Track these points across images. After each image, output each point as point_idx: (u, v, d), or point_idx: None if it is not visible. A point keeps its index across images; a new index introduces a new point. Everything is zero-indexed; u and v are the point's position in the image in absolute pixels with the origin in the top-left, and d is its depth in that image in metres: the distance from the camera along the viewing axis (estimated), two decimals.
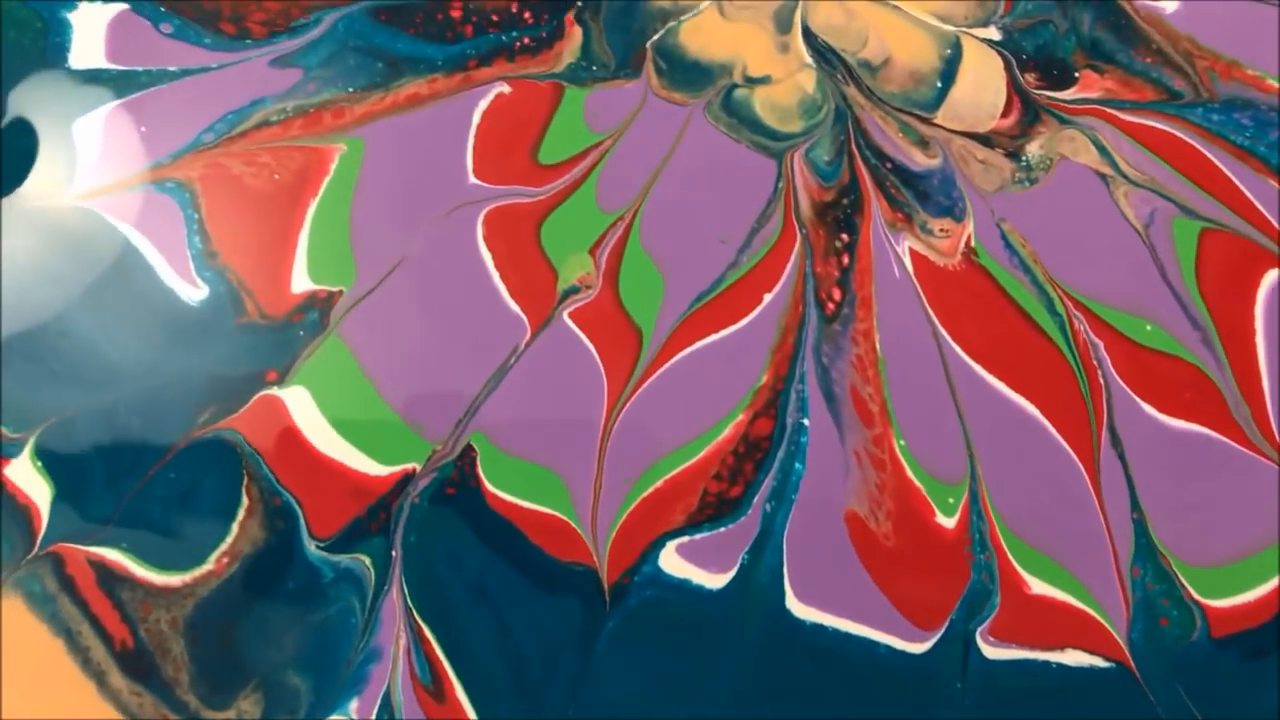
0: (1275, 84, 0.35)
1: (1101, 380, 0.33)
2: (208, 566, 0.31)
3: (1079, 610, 0.32)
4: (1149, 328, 0.33)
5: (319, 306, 0.33)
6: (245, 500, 0.32)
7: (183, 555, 0.31)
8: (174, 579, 0.31)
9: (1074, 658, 0.31)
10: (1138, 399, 0.33)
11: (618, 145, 0.34)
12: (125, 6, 0.35)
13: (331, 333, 0.33)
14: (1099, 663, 0.31)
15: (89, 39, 0.35)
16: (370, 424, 0.32)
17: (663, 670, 0.31)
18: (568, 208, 0.34)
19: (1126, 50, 0.35)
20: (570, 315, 0.33)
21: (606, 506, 0.32)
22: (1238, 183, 0.34)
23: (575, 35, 0.35)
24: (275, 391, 0.32)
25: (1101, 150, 0.35)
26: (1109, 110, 0.35)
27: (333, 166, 0.34)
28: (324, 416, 0.32)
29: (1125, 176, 0.34)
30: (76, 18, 0.35)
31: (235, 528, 0.32)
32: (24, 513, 0.32)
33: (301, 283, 0.33)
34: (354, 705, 0.31)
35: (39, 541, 0.31)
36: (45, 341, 0.33)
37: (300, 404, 0.32)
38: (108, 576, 0.31)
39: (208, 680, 0.31)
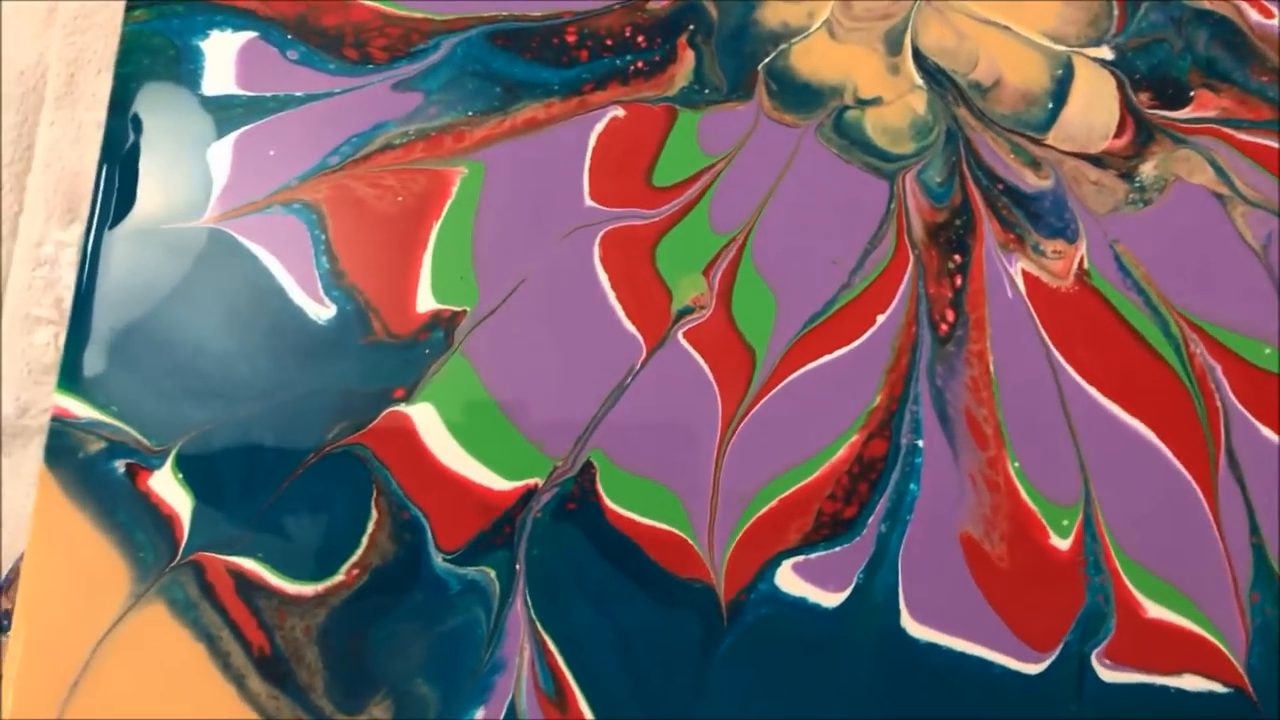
0: None
1: (1219, 403, 0.33)
2: (339, 577, 0.33)
3: (1196, 635, 0.32)
4: (1267, 350, 0.33)
5: (444, 326, 0.34)
6: (374, 513, 0.33)
7: (315, 566, 0.33)
8: (307, 589, 0.33)
9: (1191, 682, 0.31)
10: (1256, 422, 0.33)
11: (730, 167, 0.35)
12: (254, 34, 0.36)
13: (456, 351, 0.34)
14: (1217, 688, 0.31)
15: (220, 66, 0.36)
16: (494, 440, 0.33)
17: (778, 687, 0.32)
18: (681, 229, 0.34)
19: (1242, 68, 0.35)
20: (685, 335, 0.34)
21: (723, 524, 0.32)
22: None
23: (688, 59, 0.36)
24: (403, 408, 0.33)
25: (1218, 170, 0.34)
26: (1225, 129, 0.35)
27: (454, 189, 0.35)
28: (450, 432, 0.33)
29: (1242, 196, 0.34)
30: (208, 45, 0.36)
31: (365, 540, 0.33)
32: (167, 522, 0.33)
33: (426, 302, 0.34)
34: (480, 713, 0.32)
35: (181, 550, 0.33)
36: (183, 359, 0.34)
37: (427, 420, 0.33)
38: (245, 585, 0.33)
39: (341, 686, 0.32)
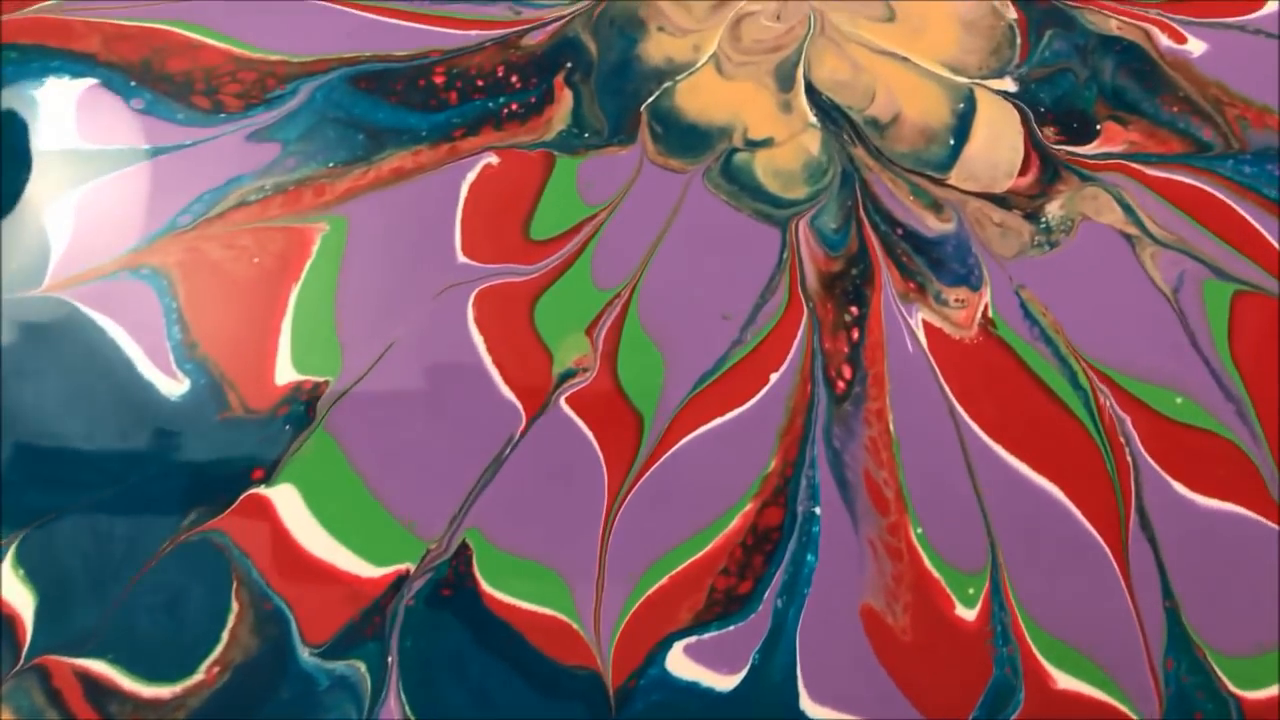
0: None
1: (1129, 458, 0.31)
2: (198, 676, 0.30)
3: (1109, 705, 0.30)
4: (1179, 400, 0.31)
5: (305, 398, 0.32)
6: (235, 606, 0.31)
7: (172, 665, 0.30)
8: (164, 690, 0.30)
9: None
10: (1168, 477, 0.31)
11: (613, 217, 0.33)
12: (94, 81, 0.33)
13: (319, 426, 0.31)
14: None
15: (57, 116, 0.34)
16: (361, 522, 0.31)
17: None
18: (562, 286, 0.32)
19: (1152, 99, 0.33)
20: (567, 400, 0.31)
21: (609, 606, 0.30)
22: (1272, 240, 0.32)
23: (565, 100, 0.33)
24: (262, 490, 0.31)
25: (1126, 209, 0.33)
26: (1134, 165, 0.33)
27: (315, 248, 0.32)
28: (313, 515, 0.31)
29: (1152, 236, 0.32)
30: (43, 94, 0.34)
31: (225, 635, 0.30)
32: (7, 623, 0.31)
33: (286, 373, 0.32)
34: None
35: (24, 653, 0.30)
36: (22, 441, 0.31)
37: (289, 502, 0.31)
38: (96, 689, 0.30)
39: None
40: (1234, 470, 0.31)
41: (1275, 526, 0.31)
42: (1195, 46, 0.34)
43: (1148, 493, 0.31)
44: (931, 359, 0.32)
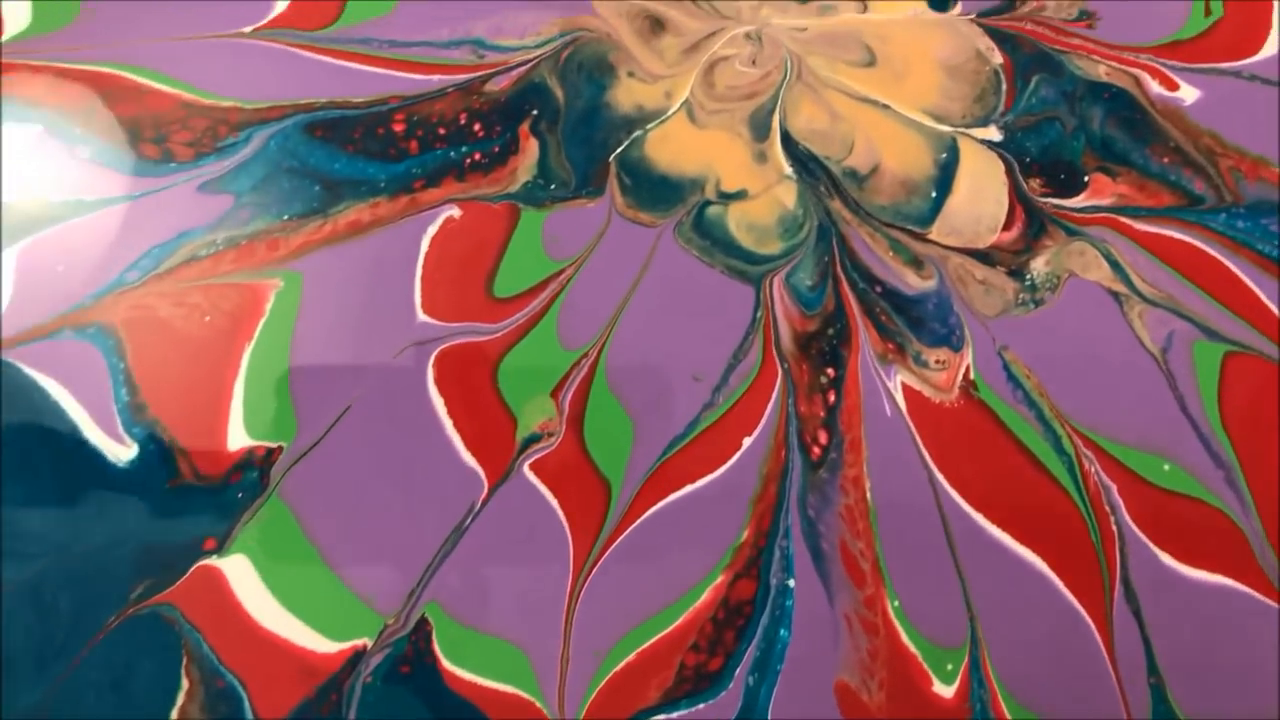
0: None
1: (1114, 527, 0.30)
2: None
3: None
4: (1167, 467, 0.30)
5: (258, 465, 0.30)
6: (185, 682, 0.30)
7: None
8: None
9: None
10: (1154, 548, 0.30)
11: (580, 273, 0.31)
12: (38, 128, 0.32)
13: (272, 494, 0.30)
14: None
15: None
16: (317, 595, 0.30)
17: None
18: (526, 346, 0.31)
19: (1141, 149, 0.32)
20: (531, 467, 0.30)
21: (575, 683, 0.29)
22: (1265, 299, 0.31)
23: (531, 149, 0.32)
24: (214, 561, 0.30)
25: (1114, 265, 0.31)
26: (1122, 219, 0.32)
27: (269, 305, 0.31)
28: (267, 588, 0.30)
29: (1140, 294, 0.31)
30: None
31: (175, 713, 0.30)
32: None
33: (239, 438, 0.30)
34: None
35: None
36: None
37: (241, 574, 0.30)
38: None
39: None
40: (1223, 540, 0.30)
41: (1265, 599, 0.30)
42: (1188, 94, 0.33)
43: (1133, 564, 0.30)
44: (910, 423, 0.31)
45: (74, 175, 0.32)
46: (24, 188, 0.32)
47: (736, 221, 0.32)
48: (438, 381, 0.31)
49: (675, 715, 0.30)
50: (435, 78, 0.33)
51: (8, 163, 0.32)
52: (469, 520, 0.31)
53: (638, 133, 0.33)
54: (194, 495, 0.31)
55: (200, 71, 0.33)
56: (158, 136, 0.32)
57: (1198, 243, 0.32)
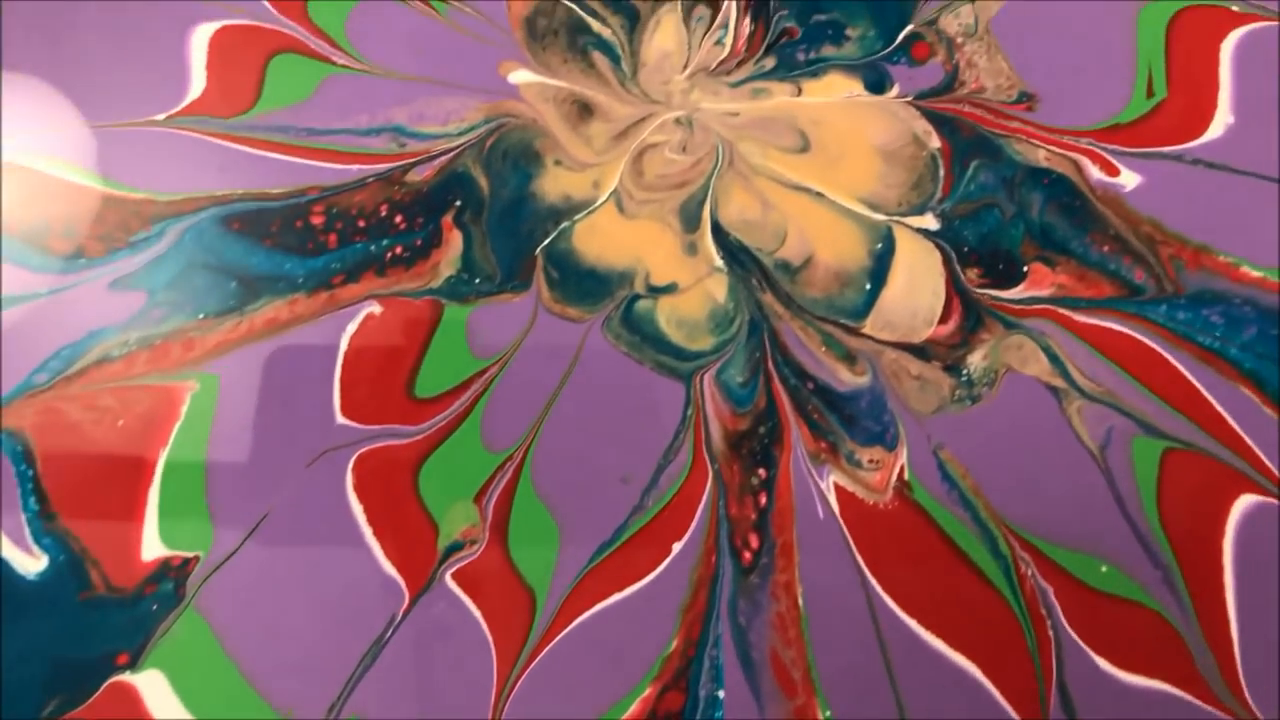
0: (1251, 271, 0.31)
1: (1050, 632, 0.30)
2: None
3: None
4: (1104, 568, 0.30)
5: (173, 575, 0.30)
6: None
7: None
8: None
9: None
10: (1091, 652, 0.30)
11: (505, 372, 0.31)
12: None
13: (188, 606, 0.29)
14: None
15: None
16: (235, 711, 0.29)
17: None
18: (449, 449, 0.30)
19: (1081, 237, 0.32)
20: (453, 576, 0.30)
21: None
22: (1205, 393, 0.31)
23: (454, 242, 0.31)
24: (127, 677, 0.29)
25: (1053, 358, 0.31)
26: (1062, 310, 0.31)
27: (184, 409, 0.31)
28: (183, 704, 0.30)
29: (1079, 389, 0.31)
30: None
31: None
32: None
33: (153, 548, 0.30)
34: None
35: None
36: None
37: (156, 690, 0.29)
38: None
39: None
40: (1161, 645, 0.30)
41: (1204, 706, 0.29)
42: (1128, 179, 0.32)
43: (1069, 669, 0.30)
44: (843, 525, 0.30)
45: None
46: None
47: (666, 316, 0.31)
48: (357, 487, 0.31)
49: None
50: (355, 167, 0.32)
51: None
52: (389, 633, 0.30)
53: (565, 224, 0.32)
54: (106, 608, 0.30)
55: (112, 161, 0.32)
56: (67, 230, 0.31)
57: (1138, 335, 0.31)
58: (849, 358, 0.32)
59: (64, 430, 0.31)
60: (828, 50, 0.33)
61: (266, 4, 0.33)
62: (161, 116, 0.33)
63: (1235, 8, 0.33)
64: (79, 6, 0.33)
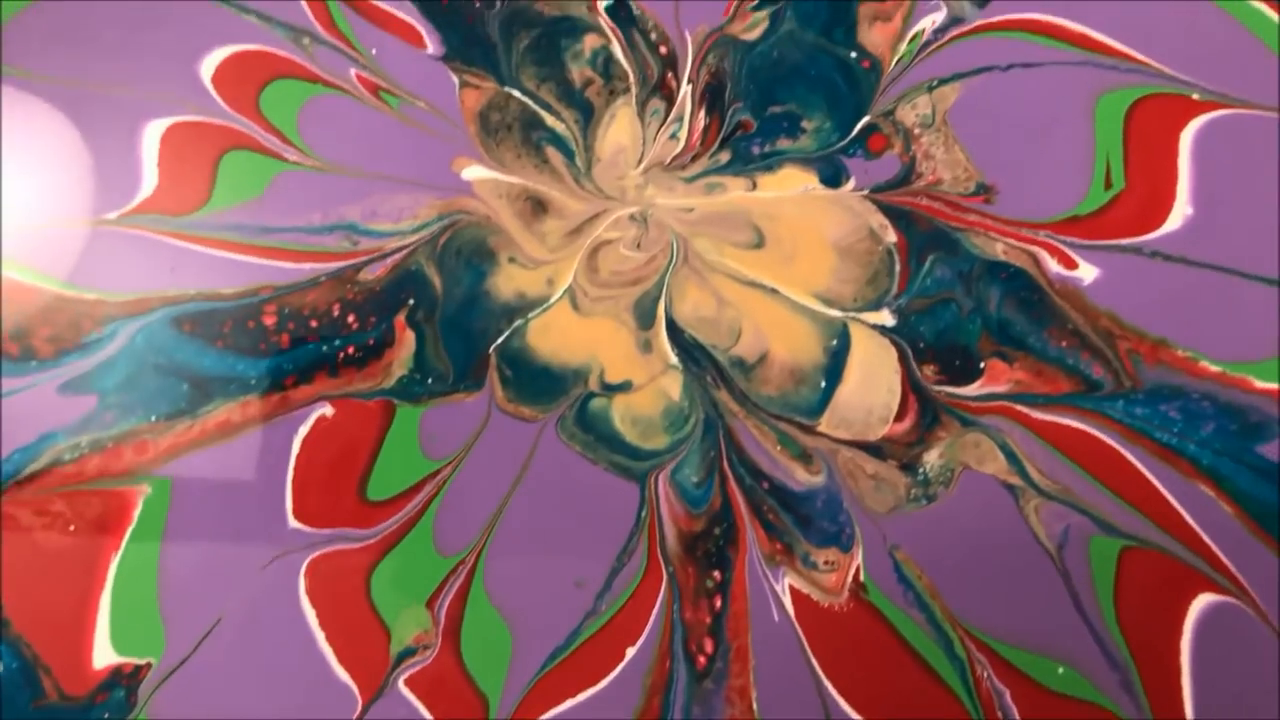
0: (1210, 365, 0.31)
1: None
2: None
3: None
4: (1061, 670, 0.30)
5: (125, 683, 0.30)
6: None
7: None
8: None
9: None
10: None
11: (458, 473, 0.31)
12: None
13: (140, 713, 0.29)
14: None
15: None
16: None
17: None
18: (401, 553, 0.30)
19: (1039, 332, 0.31)
20: (406, 682, 0.30)
21: None
22: (1163, 490, 0.31)
23: (407, 341, 0.31)
24: None
25: (1010, 456, 0.31)
26: (1019, 407, 0.31)
27: (136, 512, 0.31)
28: None
29: (1036, 487, 0.30)
30: None
31: None
32: None
33: (105, 655, 0.30)
34: None
35: None
36: None
37: None
38: None
39: None
40: None
41: None
42: (1086, 272, 0.32)
43: None
44: (798, 629, 0.30)
45: None
46: None
47: (621, 415, 0.31)
48: (309, 592, 0.31)
49: None
50: (308, 266, 0.32)
51: None
52: None
53: (519, 322, 0.32)
54: (58, 716, 0.30)
55: (64, 261, 0.32)
56: (17, 332, 0.31)
57: (1095, 431, 0.31)
58: (804, 456, 0.32)
59: (14, 536, 0.31)
60: (783, 143, 0.33)
61: (218, 99, 0.33)
62: (113, 215, 0.33)
63: (1195, 96, 0.33)
64: (32, 101, 0.33)
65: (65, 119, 0.33)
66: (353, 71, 0.34)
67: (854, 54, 0.34)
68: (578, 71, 0.33)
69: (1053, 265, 0.33)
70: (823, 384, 0.33)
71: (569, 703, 0.31)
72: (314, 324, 0.33)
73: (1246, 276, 0.33)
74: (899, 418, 0.32)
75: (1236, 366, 0.32)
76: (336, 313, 0.33)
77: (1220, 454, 0.32)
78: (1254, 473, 0.32)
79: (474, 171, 0.33)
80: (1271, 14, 0.35)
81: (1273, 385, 0.32)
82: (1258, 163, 0.34)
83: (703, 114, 0.34)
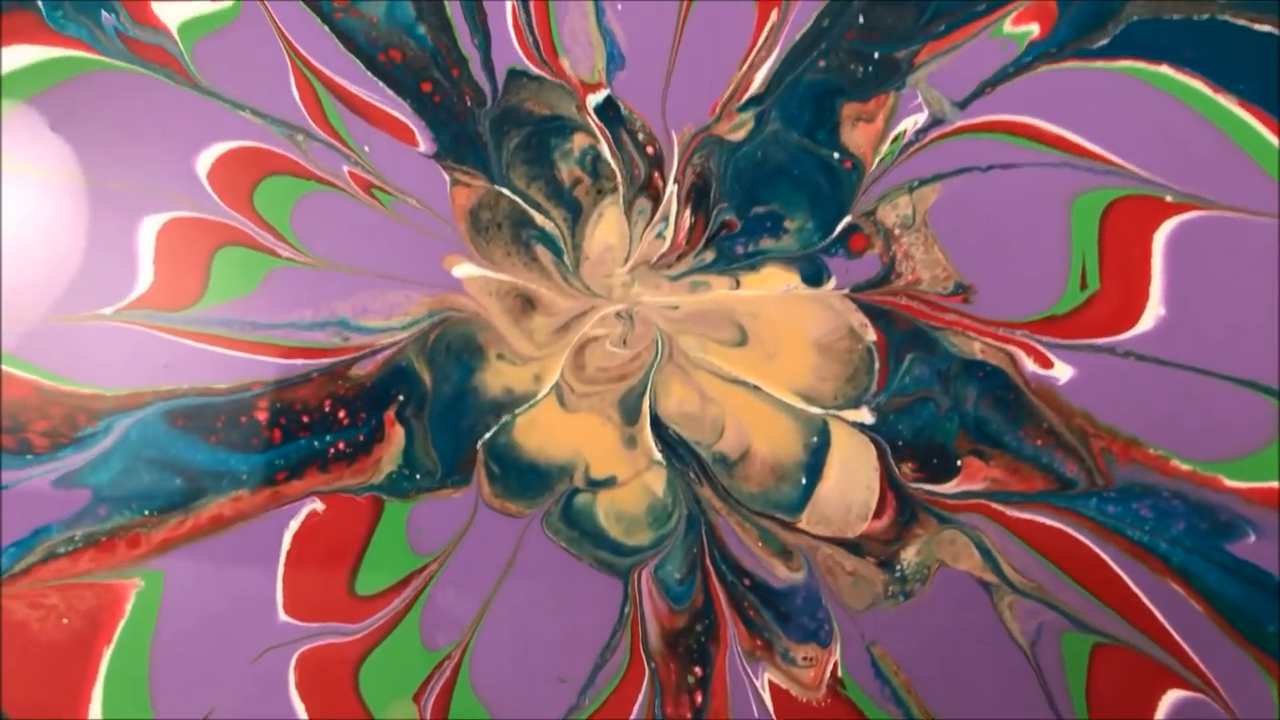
0: (1181, 464, 0.31)
1: None
2: None
3: None
4: None
5: None
6: None
7: None
8: None
9: None
10: None
11: (445, 569, 0.31)
12: None
13: None
14: None
15: None
16: None
17: None
18: (389, 647, 0.31)
19: (1015, 431, 0.32)
20: None
21: None
22: (1134, 587, 0.32)
23: (396, 437, 0.32)
24: None
25: (985, 553, 0.32)
26: (994, 505, 0.32)
27: (129, 606, 0.31)
28: None
29: (1011, 585, 0.31)
30: None
31: None
32: None
33: None
34: None
35: None
36: None
37: None
38: None
39: None
40: None
41: None
42: (1061, 371, 0.33)
43: None
44: None
45: None
46: None
47: (605, 510, 0.32)
48: (299, 685, 0.31)
49: None
50: (299, 362, 0.33)
51: None
52: None
53: (506, 418, 0.32)
54: None
55: (60, 356, 0.33)
56: (13, 425, 0.32)
57: (1069, 529, 0.32)
58: (785, 553, 0.32)
59: (9, 629, 0.32)
60: (766, 243, 0.34)
61: (213, 195, 0.33)
62: (109, 310, 0.33)
63: (1168, 198, 0.34)
64: (30, 199, 0.34)
65: (64, 214, 0.34)
66: (345, 168, 0.35)
67: (837, 154, 0.35)
68: (567, 170, 0.34)
69: (1029, 364, 0.34)
70: (803, 480, 0.33)
71: None
72: (305, 419, 0.33)
73: (1217, 376, 0.34)
74: (877, 515, 0.33)
75: (1207, 465, 0.33)
76: (328, 408, 0.34)
77: (1191, 552, 0.33)
78: (1224, 571, 0.33)
79: (464, 269, 0.34)
80: (1243, 114, 0.36)
81: (1242, 484, 0.33)
82: (1228, 263, 0.35)
83: (688, 213, 0.34)
